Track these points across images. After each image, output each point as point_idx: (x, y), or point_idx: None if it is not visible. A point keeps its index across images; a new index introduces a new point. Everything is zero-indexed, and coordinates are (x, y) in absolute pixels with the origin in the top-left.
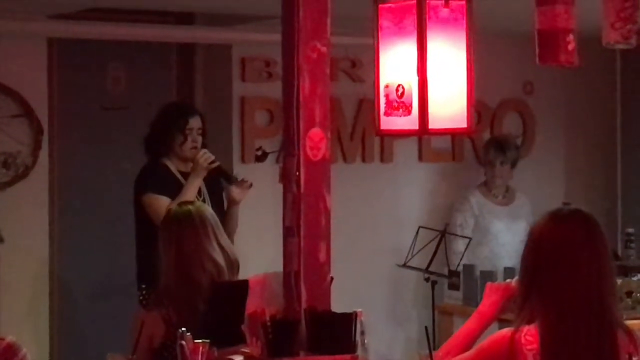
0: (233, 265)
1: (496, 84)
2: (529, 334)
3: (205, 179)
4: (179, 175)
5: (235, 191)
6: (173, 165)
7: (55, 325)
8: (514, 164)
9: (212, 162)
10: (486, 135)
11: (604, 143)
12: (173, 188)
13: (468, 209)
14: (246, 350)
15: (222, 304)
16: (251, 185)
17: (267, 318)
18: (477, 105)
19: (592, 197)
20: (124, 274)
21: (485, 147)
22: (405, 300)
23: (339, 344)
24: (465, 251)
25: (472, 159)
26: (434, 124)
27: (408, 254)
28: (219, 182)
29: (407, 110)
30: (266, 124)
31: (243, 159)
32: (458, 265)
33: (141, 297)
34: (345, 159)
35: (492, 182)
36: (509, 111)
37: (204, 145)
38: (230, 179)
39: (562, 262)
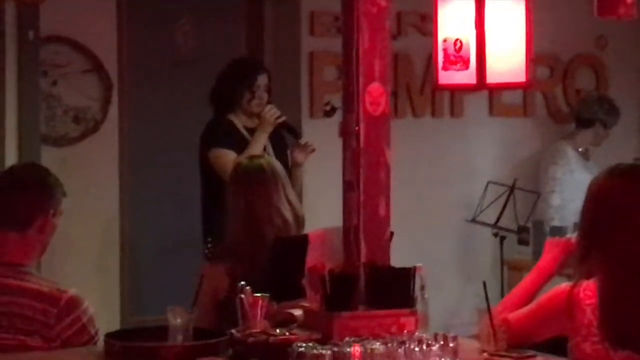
0: (299, 221)
1: (569, 38)
2: (588, 289)
3: (270, 136)
4: (244, 131)
5: (298, 154)
6: (239, 121)
7: (126, 280)
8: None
9: (278, 117)
10: (558, 90)
11: None
12: (239, 143)
13: (566, 163)
14: (306, 304)
15: (282, 259)
16: (314, 150)
17: (326, 272)
18: (549, 59)
19: None
20: (192, 229)
21: (596, 104)
22: (475, 256)
23: (397, 298)
24: (534, 206)
25: (543, 114)
26: (491, 78)
27: (477, 209)
28: (283, 140)
29: (465, 64)
30: (334, 79)
31: (312, 114)
32: (528, 220)
33: (207, 251)
34: (414, 114)
35: (594, 142)
36: (582, 66)
37: (268, 102)
38: (297, 134)
39: (619, 218)
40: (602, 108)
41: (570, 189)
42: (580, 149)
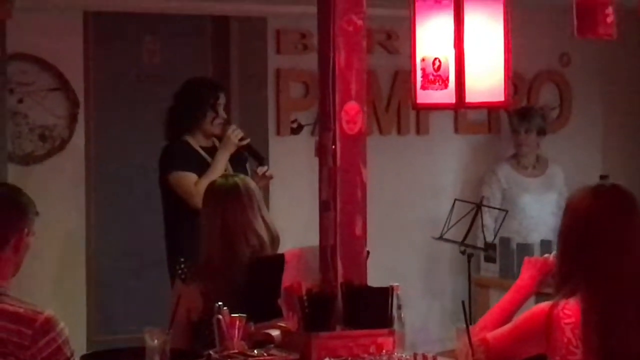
0: (275, 240)
1: (532, 56)
2: (567, 308)
3: (230, 157)
4: (202, 152)
5: (257, 182)
6: (195, 142)
7: (92, 299)
8: (540, 133)
9: (242, 138)
10: None
11: None
12: (198, 164)
13: (495, 182)
14: (283, 325)
15: (258, 278)
16: (272, 177)
17: (304, 292)
18: (513, 77)
19: (630, 169)
20: (159, 247)
21: (510, 117)
22: (442, 273)
23: (375, 318)
24: (501, 224)
25: (508, 131)
26: (470, 97)
27: (444, 227)
28: (244, 159)
29: (444, 83)
30: (301, 97)
31: (278, 132)
32: (494, 238)
33: (180, 271)
34: (380, 132)
35: (519, 151)
36: (546, 82)
37: (227, 122)
38: (260, 158)
39: (603, 240)
40: (512, 118)
41: (503, 206)
42: (524, 165)
